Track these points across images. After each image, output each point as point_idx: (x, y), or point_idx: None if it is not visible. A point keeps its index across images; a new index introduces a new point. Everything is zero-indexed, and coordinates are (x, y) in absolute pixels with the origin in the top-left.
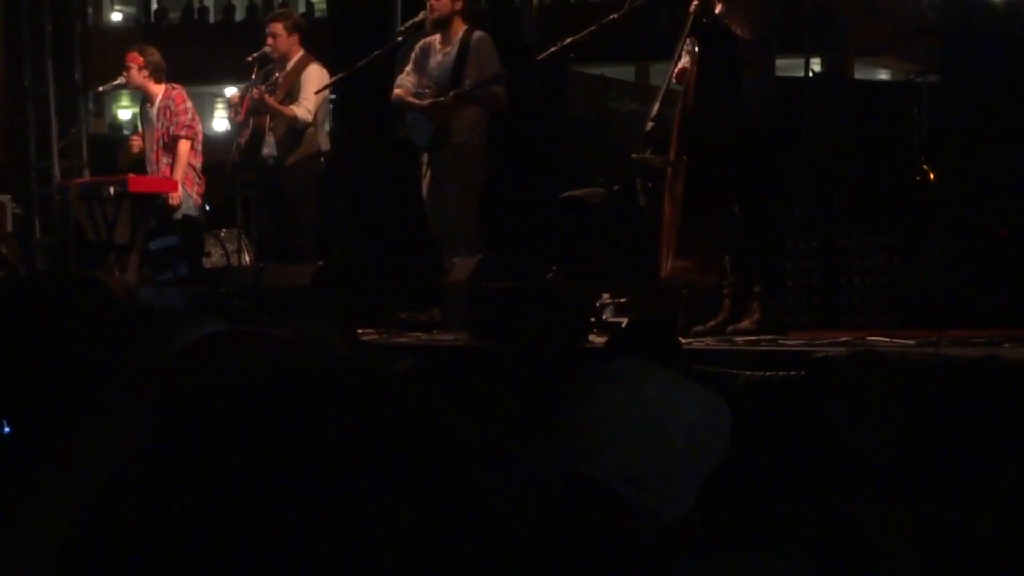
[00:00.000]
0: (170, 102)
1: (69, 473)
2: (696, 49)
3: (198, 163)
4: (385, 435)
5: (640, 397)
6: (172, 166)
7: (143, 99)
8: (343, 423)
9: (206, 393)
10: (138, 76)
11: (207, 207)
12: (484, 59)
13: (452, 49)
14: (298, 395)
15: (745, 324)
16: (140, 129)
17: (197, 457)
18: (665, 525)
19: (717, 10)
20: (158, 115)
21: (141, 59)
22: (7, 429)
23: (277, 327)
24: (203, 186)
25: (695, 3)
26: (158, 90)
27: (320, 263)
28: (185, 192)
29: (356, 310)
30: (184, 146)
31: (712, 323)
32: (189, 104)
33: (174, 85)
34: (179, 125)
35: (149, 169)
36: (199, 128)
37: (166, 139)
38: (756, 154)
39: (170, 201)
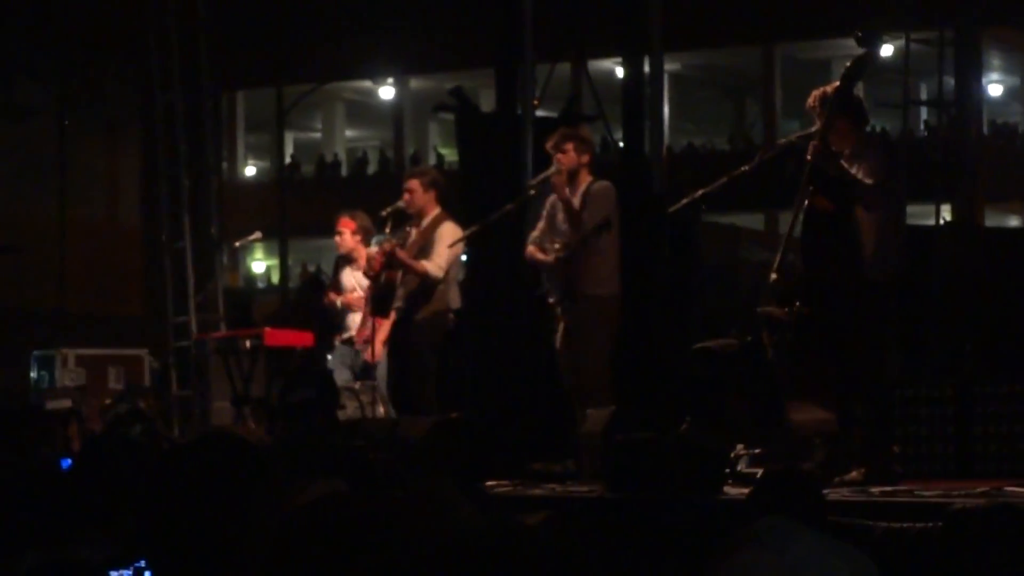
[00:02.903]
0: None
1: None
2: (808, 200)
3: None
4: None
5: (788, 559)
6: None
7: (344, 261)
8: None
9: (315, 556)
10: (351, 240)
11: None
12: (596, 206)
13: (577, 201)
14: (417, 561)
15: (853, 475)
16: (341, 289)
17: None
18: None
19: (847, 162)
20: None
21: (354, 224)
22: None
23: (403, 484)
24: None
25: (811, 154)
26: (364, 252)
27: (437, 418)
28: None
29: (482, 463)
30: None
31: (814, 466)
32: None
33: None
34: None
35: (352, 330)
36: None
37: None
38: (876, 304)
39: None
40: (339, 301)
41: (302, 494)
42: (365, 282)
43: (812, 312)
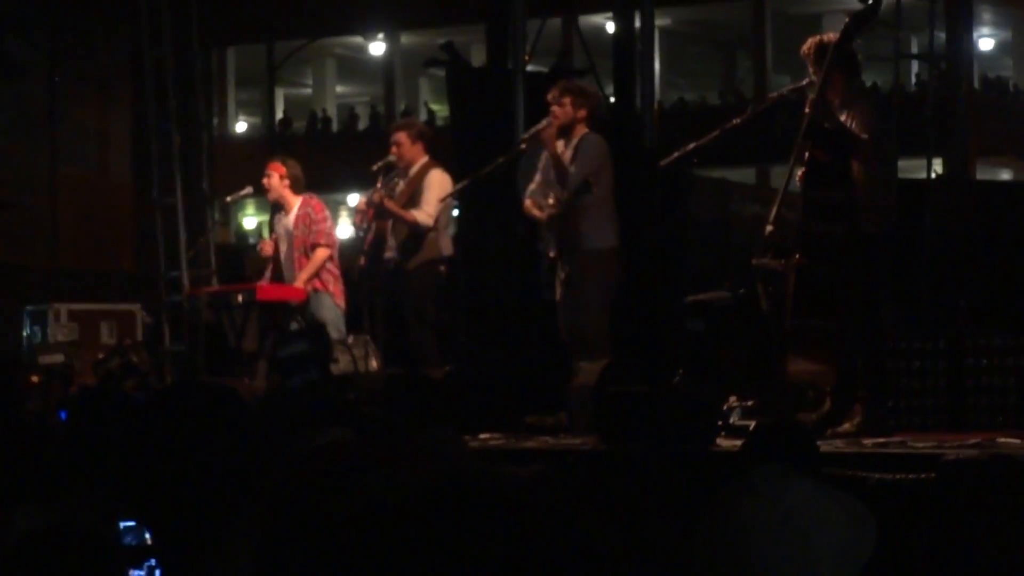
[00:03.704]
0: (310, 210)
1: None
2: (807, 153)
3: (338, 271)
4: (517, 545)
5: (782, 507)
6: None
7: (276, 208)
8: (470, 535)
9: (322, 503)
10: (279, 185)
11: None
12: (584, 159)
13: (568, 154)
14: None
15: (846, 427)
16: (271, 235)
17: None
18: None
19: (837, 113)
20: (296, 223)
21: (284, 168)
22: (148, 535)
23: (405, 435)
24: (344, 294)
25: (809, 107)
26: (295, 200)
27: (427, 372)
28: (331, 298)
29: (473, 416)
30: (321, 253)
31: (813, 417)
32: (327, 214)
33: (312, 195)
34: (319, 233)
35: (286, 276)
36: (336, 238)
37: (306, 246)
38: (872, 256)
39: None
40: (267, 250)
41: (310, 442)
42: (291, 228)
43: (810, 263)
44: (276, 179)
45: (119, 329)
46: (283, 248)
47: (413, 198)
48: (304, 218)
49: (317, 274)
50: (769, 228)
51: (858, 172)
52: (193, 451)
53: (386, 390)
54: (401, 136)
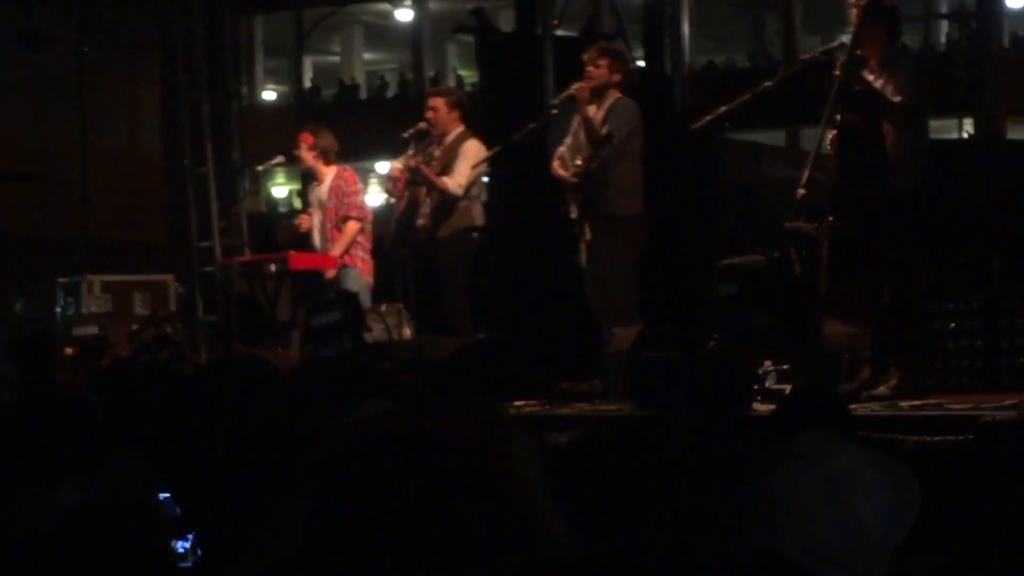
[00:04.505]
0: (342, 183)
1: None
2: (838, 116)
3: (369, 245)
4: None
5: (827, 472)
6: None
7: (309, 178)
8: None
9: (370, 474)
10: (308, 156)
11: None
12: (616, 123)
13: (600, 116)
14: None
15: (882, 390)
16: (309, 207)
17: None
18: None
19: (870, 76)
20: (329, 195)
21: (312, 139)
22: (176, 511)
23: (440, 403)
24: (372, 267)
25: (839, 69)
26: (328, 171)
27: (468, 338)
28: (358, 273)
29: (508, 384)
30: (353, 226)
31: (853, 385)
32: (360, 186)
33: (345, 167)
34: (350, 206)
35: (320, 248)
36: (369, 210)
37: (338, 219)
38: (906, 218)
39: (326, 276)
40: (305, 225)
41: (350, 414)
42: (324, 199)
43: (844, 226)
44: (304, 150)
45: (152, 300)
46: (316, 220)
47: (447, 166)
48: (336, 190)
49: (348, 248)
50: (801, 191)
51: (890, 134)
52: (233, 425)
53: (454, 357)
54: (438, 101)
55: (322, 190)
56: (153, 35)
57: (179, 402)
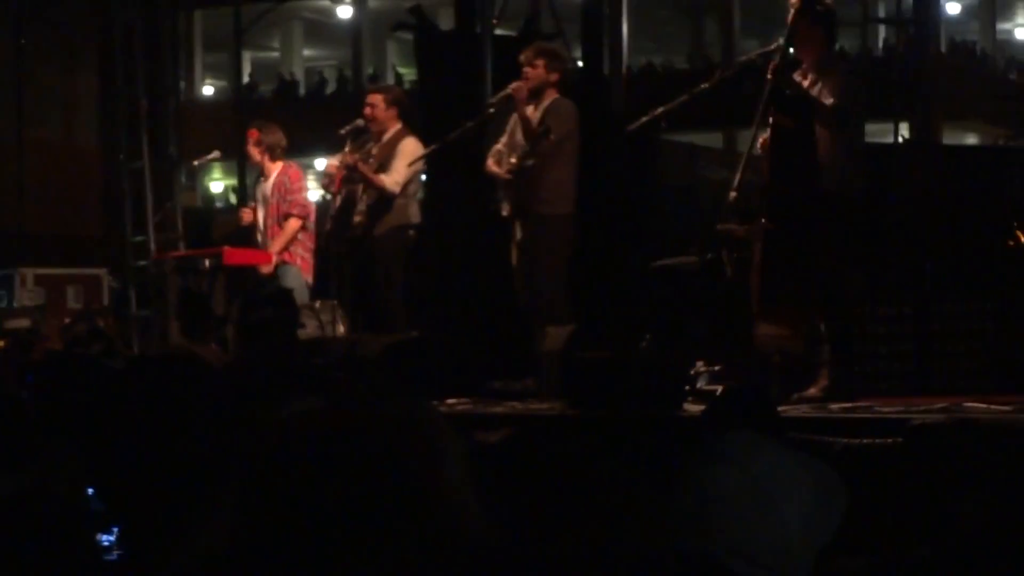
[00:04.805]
0: (286, 179)
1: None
2: (770, 118)
3: (311, 243)
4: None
5: (752, 473)
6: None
7: (258, 174)
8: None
9: (297, 471)
10: (255, 151)
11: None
12: (552, 121)
13: (536, 117)
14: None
15: (812, 392)
16: (252, 202)
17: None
18: None
19: (802, 78)
20: (273, 191)
21: (258, 134)
22: (100, 504)
23: (373, 400)
24: (313, 265)
25: (770, 73)
26: (274, 167)
27: (393, 337)
28: (298, 271)
29: (440, 381)
30: (294, 224)
31: (812, 390)
32: (305, 183)
33: (291, 163)
34: (293, 203)
35: (263, 244)
36: (312, 208)
37: (280, 215)
38: (837, 221)
39: (261, 270)
40: (246, 218)
41: (280, 411)
42: (268, 195)
43: (775, 228)
44: (251, 145)
45: (86, 294)
46: (260, 215)
47: (384, 164)
48: (280, 186)
49: (288, 245)
50: (733, 194)
51: (822, 137)
52: (161, 421)
53: (386, 354)
54: (377, 98)
55: (267, 186)
56: (91, 29)
57: (109, 397)
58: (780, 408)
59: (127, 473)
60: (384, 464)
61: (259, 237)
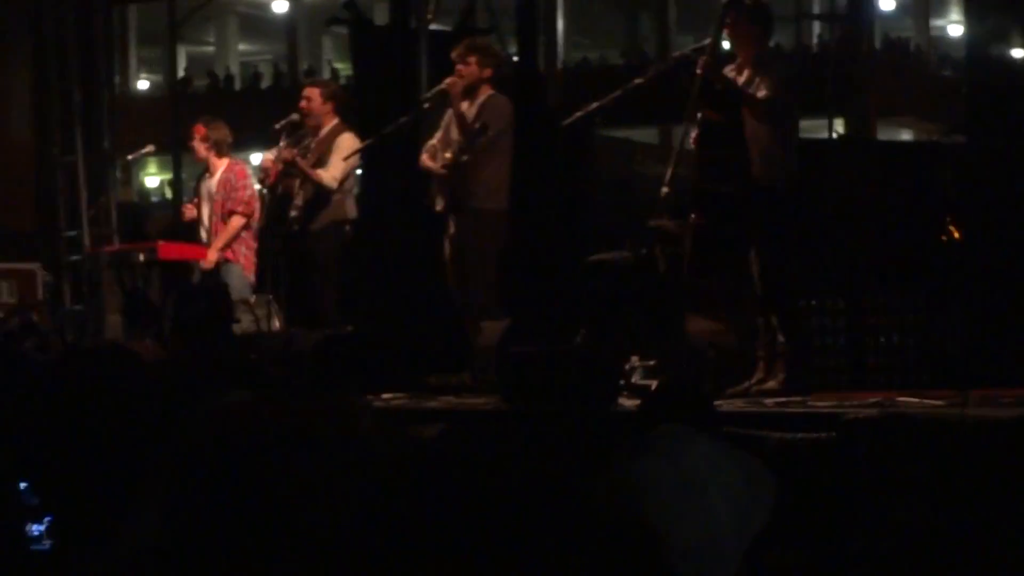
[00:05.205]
0: (232, 176)
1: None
2: (699, 114)
3: (254, 242)
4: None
5: (682, 466)
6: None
7: (204, 169)
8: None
9: (224, 461)
10: (200, 147)
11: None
12: (488, 119)
13: (472, 112)
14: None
15: (771, 385)
16: (196, 198)
17: (216, 525)
18: None
19: (733, 73)
20: (218, 188)
21: (204, 130)
22: (34, 500)
23: (306, 394)
24: (255, 263)
25: (700, 68)
26: (220, 163)
27: (327, 331)
28: (240, 268)
29: (375, 376)
30: (237, 221)
31: (748, 384)
32: (250, 181)
33: (238, 160)
34: (237, 200)
35: (205, 239)
36: (256, 206)
37: (224, 212)
38: (768, 215)
39: (202, 266)
40: (189, 213)
41: (211, 405)
42: (213, 191)
43: (706, 222)
44: (197, 140)
45: (19, 288)
46: (205, 212)
47: (322, 159)
48: (225, 183)
49: (231, 243)
50: (665, 189)
51: (754, 131)
52: (91, 416)
53: (319, 349)
54: (313, 92)
55: (212, 183)
56: (24, 22)
57: (39, 390)
58: (715, 402)
59: (58, 467)
60: (309, 456)
61: (203, 233)
